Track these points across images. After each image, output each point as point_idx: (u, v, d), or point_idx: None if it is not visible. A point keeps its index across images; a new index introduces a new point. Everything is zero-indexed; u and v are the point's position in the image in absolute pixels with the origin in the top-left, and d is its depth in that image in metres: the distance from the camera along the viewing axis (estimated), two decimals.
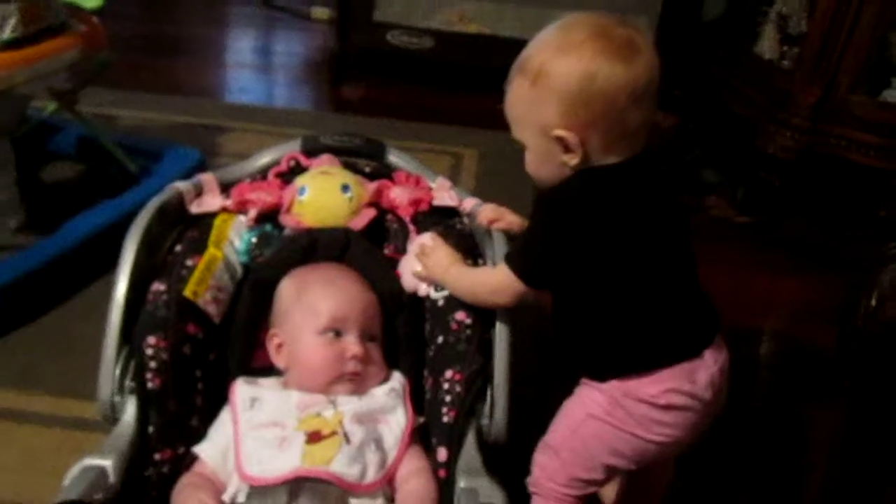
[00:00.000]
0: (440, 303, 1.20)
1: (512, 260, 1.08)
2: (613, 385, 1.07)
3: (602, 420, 1.09)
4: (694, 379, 1.07)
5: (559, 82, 0.99)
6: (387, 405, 1.12)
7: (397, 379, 1.17)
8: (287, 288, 1.20)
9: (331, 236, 1.26)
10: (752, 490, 1.53)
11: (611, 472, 1.15)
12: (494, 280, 1.11)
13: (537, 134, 1.04)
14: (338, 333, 1.13)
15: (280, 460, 1.02)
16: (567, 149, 1.02)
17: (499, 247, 1.21)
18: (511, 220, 1.25)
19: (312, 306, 1.15)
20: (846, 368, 1.39)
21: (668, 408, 1.06)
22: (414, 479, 1.06)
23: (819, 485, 1.56)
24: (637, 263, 1.04)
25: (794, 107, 2.32)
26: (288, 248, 1.25)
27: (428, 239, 1.24)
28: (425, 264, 1.21)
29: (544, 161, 1.06)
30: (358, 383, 1.13)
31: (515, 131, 1.08)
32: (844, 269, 2.24)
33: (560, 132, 1.01)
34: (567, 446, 1.13)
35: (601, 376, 1.09)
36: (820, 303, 2.11)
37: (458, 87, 3.06)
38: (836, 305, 2.04)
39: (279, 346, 1.17)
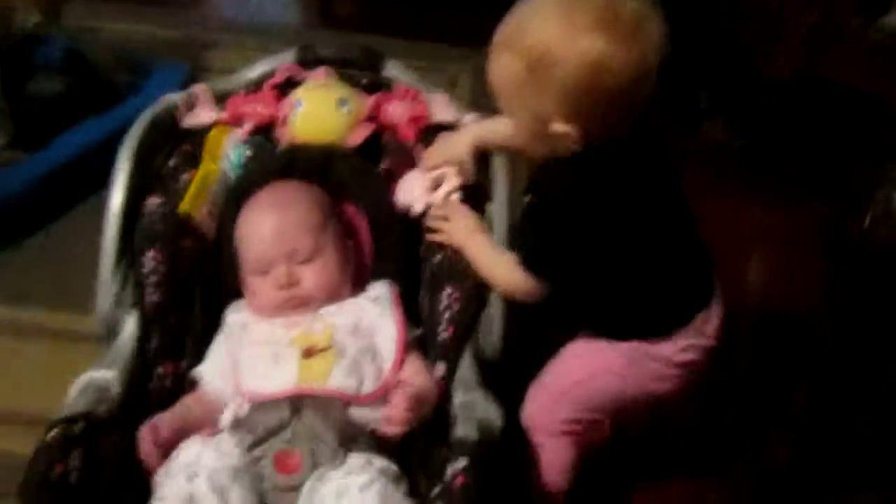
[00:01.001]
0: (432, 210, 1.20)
1: (532, 266, 1.03)
2: (632, 346, 1.08)
3: (617, 374, 1.10)
4: (704, 331, 1.09)
5: (565, 74, 0.89)
6: (375, 314, 1.12)
7: (383, 286, 1.16)
8: (235, 224, 1.17)
9: (310, 154, 1.23)
10: (736, 414, 1.57)
11: (614, 415, 1.18)
12: (513, 279, 1.06)
13: (530, 118, 0.96)
14: (265, 272, 1.12)
15: (278, 375, 1.04)
16: (566, 138, 0.95)
17: (499, 172, 1.20)
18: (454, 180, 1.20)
19: (241, 249, 1.15)
20: (833, 285, 1.41)
21: (683, 363, 1.09)
22: (415, 377, 1.07)
23: (801, 407, 1.59)
24: (648, 232, 1.02)
25: (792, 30, 2.28)
26: (267, 165, 1.24)
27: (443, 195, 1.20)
28: (446, 228, 1.17)
29: (536, 139, 0.99)
30: (307, 304, 1.11)
31: (501, 104, 1.00)
32: (839, 194, 2.25)
33: (560, 126, 0.93)
34: (574, 393, 1.14)
35: (618, 337, 1.09)
36: (813, 228, 2.12)
37: (453, 3, 2.98)
38: (820, 230, 2.06)
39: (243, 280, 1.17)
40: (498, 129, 1.19)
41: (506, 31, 0.95)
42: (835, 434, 1.43)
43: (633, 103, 0.95)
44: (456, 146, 1.22)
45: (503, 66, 0.95)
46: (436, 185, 1.22)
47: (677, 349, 1.08)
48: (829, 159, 2.43)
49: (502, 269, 1.09)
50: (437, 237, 1.18)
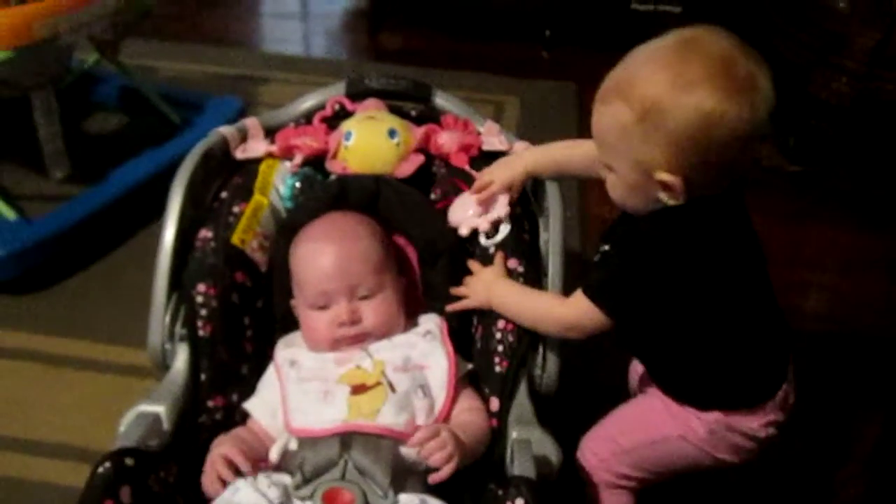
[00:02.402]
0: (491, 250, 1.17)
1: (599, 295, 0.99)
2: (716, 417, 1.05)
3: (693, 444, 1.07)
4: (785, 405, 1.06)
5: (675, 126, 0.88)
6: (425, 349, 1.10)
7: (432, 321, 1.15)
8: (290, 254, 1.16)
9: (361, 183, 1.22)
10: (804, 448, 1.51)
11: (677, 474, 1.14)
12: (566, 313, 1.03)
13: (633, 168, 0.94)
14: (325, 306, 1.10)
15: (326, 412, 1.02)
16: (667, 189, 0.93)
17: (553, 203, 1.18)
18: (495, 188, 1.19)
19: (299, 282, 1.13)
20: None
21: (763, 439, 1.06)
22: (466, 413, 1.05)
23: (875, 440, 1.52)
24: (738, 294, 1.00)
25: (850, 51, 2.23)
26: (319, 196, 1.23)
27: (504, 204, 1.19)
28: (466, 293, 1.15)
29: (635, 192, 0.97)
30: (363, 340, 1.10)
31: (603, 154, 0.98)
32: None
33: (665, 176, 0.91)
34: (642, 452, 1.11)
35: (702, 406, 1.06)
36: (872, 253, 2.06)
37: (499, 34, 3.00)
38: (888, 256, 1.99)
39: (295, 309, 1.16)
40: (554, 156, 1.19)
41: (615, 79, 0.94)
42: None
43: (739, 161, 0.93)
44: (511, 168, 1.20)
45: (611, 113, 0.93)
46: (485, 208, 1.20)
47: (763, 423, 1.05)
48: (889, 185, 2.36)
49: (555, 308, 1.06)
50: (460, 305, 1.15)
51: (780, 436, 1.08)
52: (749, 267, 1.01)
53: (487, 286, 1.13)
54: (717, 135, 0.88)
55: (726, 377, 1.05)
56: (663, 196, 0.94)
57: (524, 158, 1.21)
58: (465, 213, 1.21)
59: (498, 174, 1.20)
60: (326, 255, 1.11)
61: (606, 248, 1.03)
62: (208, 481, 0.98)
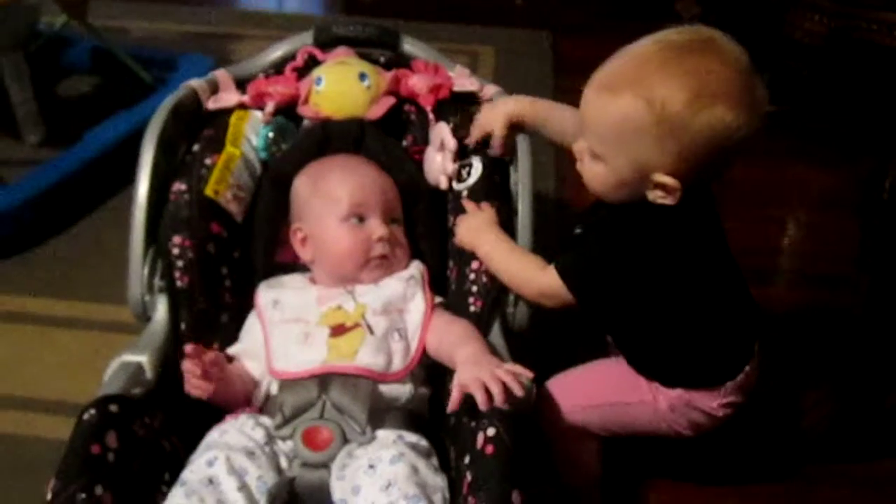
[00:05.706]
0: (464, 193, 1.19)
1: (568, 275, 1.00)
2: (678, 393, 1.08)
3: (656, 412, 1.10)
4: (747, 388, 1.09)
5: (692, 138, 0.88)
6: (406, 293, 1.12)
7: (416, 267, 1.17)
8: (302, 182, 1.19)
9: (344, 127, 1.24)
10: (772, 375, 1.54)
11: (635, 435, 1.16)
12: (544, 283, 1.03)
13: (631, 165, 0.93)
14: (361, 219, 1.13)
15: (306, 354, 1.05)
16: (663, 189, 0.93)
17: (521, 143, 1.19)
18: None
19: (331, 194, 1.15)
20: (870, 245, 1.38)
21: (720, 418, 1.09)
22: (449, 327, 1.07)
23: (839, 368, 1.56)
24: (705, 289, 1.02)
25: None
26: (303, 142, 1.24)
27: (447, 133, 1.21)
28: (459, 230, 1.16)
29: (623, 188, 0.96)
30: (386, 267, 1.13)
31: (598, 145, 0.95)
32: (873, 158, 2.19)
33: (665, 179, 0.91)
34: (606, 410, 1.13)
35: (668, 383, 1.09)
36: (846, 192, 2.08)
37: None
38: (861, 193, 2.00)
39: (304, 239, 1.17)
40: (537, 108, 1.18)
41: (629, 70, 0.92)
42: (872, 396, 1.40)
43: (732, 163, 0.96)
44: (492, 111, 1.20)
45: (624, 109, 0.91)
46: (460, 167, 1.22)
47: (721, 403, 1.08)
48: (863, 121, 2.37)
49: (532, 273, 1.05)
50: (458, 241, 1.17)
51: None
52: (718, 259, 1.04)
53: (476, 233, 1.13)
54: (728, 146, 0.90)
55: (690, 358, 1.08)
56: (655, 195, 0.94)
57: (508, 104, 1.20)
58: (433, 167, 1.23)
59: (481, 117, 1.21)
60: (363, 174, 1.17)
61: (580, 230, 1.06)
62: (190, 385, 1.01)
